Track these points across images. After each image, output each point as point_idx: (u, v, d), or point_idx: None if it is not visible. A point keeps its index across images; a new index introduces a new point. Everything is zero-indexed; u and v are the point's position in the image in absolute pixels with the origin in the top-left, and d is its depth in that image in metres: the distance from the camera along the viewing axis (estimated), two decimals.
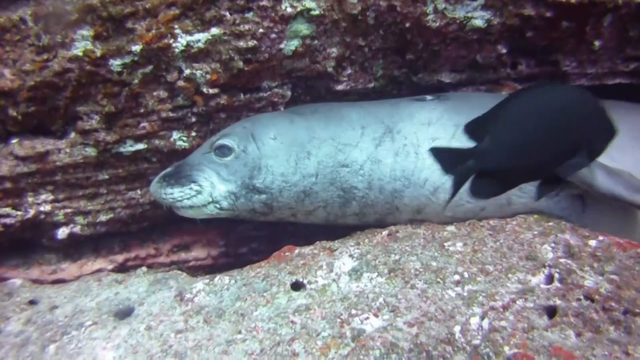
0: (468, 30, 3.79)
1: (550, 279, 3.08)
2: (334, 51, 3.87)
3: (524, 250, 3.31)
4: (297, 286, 3.42)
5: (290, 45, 3.76)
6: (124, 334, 3.22)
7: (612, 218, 3.47)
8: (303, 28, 3.73)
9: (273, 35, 3.70)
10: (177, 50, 3.63)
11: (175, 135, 3.95)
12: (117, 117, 3.81)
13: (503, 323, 2.81)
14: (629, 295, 2.79)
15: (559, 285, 3.00)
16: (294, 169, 3.70)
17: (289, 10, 3.64)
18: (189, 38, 3.61)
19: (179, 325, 3.23)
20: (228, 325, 3.17)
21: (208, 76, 3.74)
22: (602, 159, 3.57)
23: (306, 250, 3.78)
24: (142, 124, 3.86)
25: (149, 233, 4.35)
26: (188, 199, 3.70)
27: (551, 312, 2.86)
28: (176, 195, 3.70)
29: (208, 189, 3.73)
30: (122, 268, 4.20)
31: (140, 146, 3.93)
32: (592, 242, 3.27)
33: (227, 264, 4.40)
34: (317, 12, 3.68)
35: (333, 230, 4.32)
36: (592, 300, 2.80)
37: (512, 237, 3.44)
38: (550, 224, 3.56)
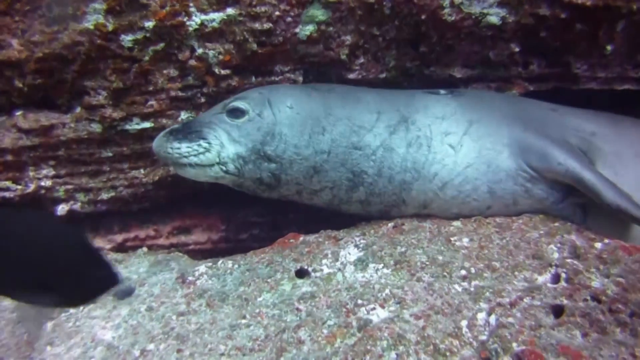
0: (483, 26, 3.78)
1: (556, 279, 3.09)
2: (348, 39, 3.84)
3: (530, 249, 3.32)
4: (301, 273, 3.40)
5: (305, 30, 3.72)
6: (124, 314, 3.18)
7: (610, 230, 3.51)
8: (319, 14, 3.70)
9: (289, 19, 3.65)
10: (190, 28, 3.58)
11: (183, 115, 3.89)
12: (125, 93, 3.74)
13: (510, 320, 2.82)
14: (635, 298, 2.79)
15: (565, 285, 3.01)
16: (307, 142, 3.63)
17: None
18: (203, 17, 3.56)
19: (181, 307, 3.19)
20: (231, 309, 3.14)
21: (221, 57, 3.70)
22: (606, 172, 3.68)
23: (311, 238, 3.77)
24: (150, 102, 3.80)
25: (149, 214, 4.28)
26: (195, 155, 3.54)
27: (558, 311, 2.87)
28: (183, 150, 3.54)
29: (217, 148, 3.57)
30: (120, 248, 4.12)
31: (147, 124, 3.87)
32: (598, 245, 3.29)
33: (227, 249, 4.34)
34: None
35: (335, 220, 4.30)
36: (599, 302, 2.82)
37: (519, 236, 3.46)
38: (556, 224, 3.59)
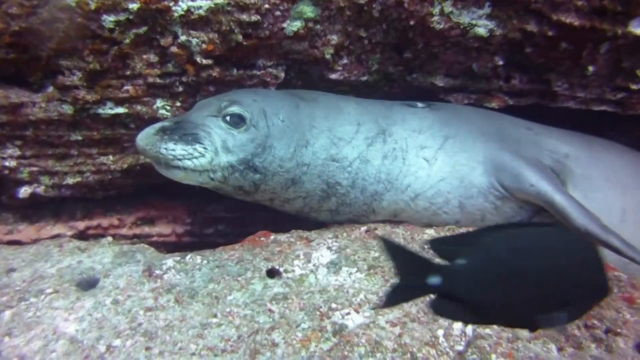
0: (470, 37, 3.76)
1: None
2: (334, 38, 3.76)
3: None
4: (272, 273, 3.30)
5: (293, 26, 3.62)
6: (89, 306, 3.02)
7: None
8: (308, 10, 3.61)
9: (277, 13, 3.54)
10: (175, 14, 3.43)
11: (159, 103, 3.74)
12: (101, 76, 3.58)
13: (488, 331, 2.81)
14: (610, 315, 2.85)
15: None
16: (292, 155, 3.56)
17: None
18: (190, 3, 3.42)
19: (148, 302, 3.05)
20: (201, 307, 3.02)
21: (204, 46, 3.56)
22: (576, 195, 3.70)
23: (282, 237, 3.68)
24: (126, 87, 3.64)
25: (113, 202, 4.12)
26: (189, 159, 3.37)
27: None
28: (178, 152, 3.34)
29: (211, 154, 3.41)
30: (82, 236, 3.95)
31: (121, 110, 3.70)
32: None
33: (191, 243, 4.22)
34: None
35: (303, 221, 4.30)
36: None
37: None
38: None
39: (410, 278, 2.02)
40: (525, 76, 4.05)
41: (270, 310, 3.01)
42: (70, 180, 3.86)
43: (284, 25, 3.62)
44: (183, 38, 3.55)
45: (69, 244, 3.68)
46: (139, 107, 3.73)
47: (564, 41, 3.76)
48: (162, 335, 2.83)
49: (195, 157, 3.38)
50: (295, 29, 3.64)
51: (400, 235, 3.62)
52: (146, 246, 3.71)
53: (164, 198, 4.24)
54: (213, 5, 3.47)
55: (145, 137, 3.40)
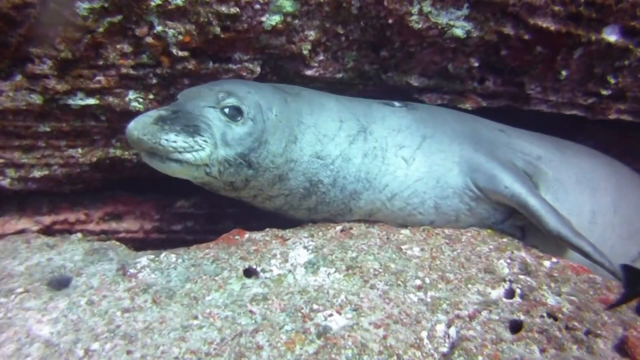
0: (447, 37, 3.75)
1: (511, 294, 3.13)
2: (311, 34, 3.68)
3: (481, 263, 3.35)
4: (249, 273, 3.22)
5: (271, 20, 3.52)
6: (63, 307, 2.86)
7: (547, 251, 3.59)
8: (288, 4, 3.51)
9: (257, 6, 3.44)
10: (152, 3, 3.30)
11: (132, 95, 3.58)
12: (72, 65, 3.40)
13: (471, 332, 2.80)
14: (589, 317, 2.87)
15: (520, 300, 3.05)
16: (282, 151, 3.45)
17: None
18: None
19: (124, 303, 2.91)
20: (180, 308, 2.91)
21: (180, 37, 3.43)
22: (548, 197, 3.75)
23: (257, 236, 3.59)
24: (98, 78, 3.46)
25: (80, 197, 3.93)
26: (189, 152, 3.14)
27: (515, 326, 2.88)
28: (179, 144, 3.10)
29: (210, 148, 3.22)
30: (48, 231, 3.76)
31: (91, 101, 3.52)
32: (547, 263, 3.38)
33: (159, 240, 4.10)
34: None
35: (273, 218, 4.24)
36: (555, 319, 2.87)
37: (469, 249, 3.48)
38: (505, 240, 3.65)
39: None
40: (499, 78, 4.08)
41: (251, 311, 2.93)
42: (37, 174, 3.65)
43: (263, 19, 3.52)
44: (159, 28, 3.41)
45: (36, 240, 3.49)
46: (110, 99, 3.56)
47: (539, 45, 3.81)
48: (142, 338, 2.70)
49: (196, 150, 3.18)
50: (273, 23, 3.55)
51: (375, 235, 3.59)
52: (117, 243, 3.55)
53: (131, 193, 4.09)
54: None
55: (142, 126, 3.11)
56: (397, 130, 3.72)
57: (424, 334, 2.87)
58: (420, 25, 3.71)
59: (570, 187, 3.89)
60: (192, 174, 3.28)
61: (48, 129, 3.58)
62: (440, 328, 2.91)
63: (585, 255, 3.49)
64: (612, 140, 4.60)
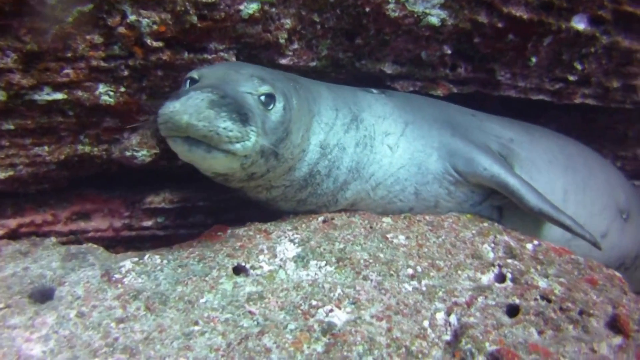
0: (422, 26, 3.69)
1: (501, 278, 3.13)
2: (287, 22, 3.51)
3: (468, 249, 3.33)
4: (238, 271, 3.06)
5: (249, 9, 3.32)
6: (51, 322, 2.60)
7: (524, 230, 3.64)
8: None
9: None
10: None
11: (102, 88, 3.28)
12: (39, 58, 3.07)
13: (472, 319, 2.78)
14: (580, 297, 2.91)
15: (512, 284, 3.05)
16: (300, 141, 3.25)
17: None
18: None
19: (117, 312, 2.69)
20: (177, 314, 2.72)
21: (155, 27, 3.17)
22: (523, 177, 3.72)
23: (240, 231, 3.40)
24: (66, 71, 3.15)
25: (46, 197, 3.60)
26: (240, 142, 2.82)
27: (512, 310, 2.89)
28: (234, 133, 2.77)
29: (255, 138, 2.89)
30: (13, 235, 3.42)
31: (59, 96, 3.21)
32: (529, 245, 3.40)
33: (130, 238, 3.85)
34: None
35: (247, 209, 4.06)
36: (549, 301, 2.89)
37: (453, 235, 3.45)
38: (485, 224, 3.64)
39: None
40: (470, 65, 4.06)
41: (250, 312, 2.78)
42: (1, 175, 3.29)
43: (241, 7, 3.32)
44: (132, 18, 3.15)
45: (7, 247, 3.17)
46: (79, 93, 3.25)
47: (511, 33, 3.81)
48: (144, 350, 2.50)
49: (244, 141, 2.86)
50: (251, 11, 3.36)
51: (358, 224, 3.48)
52: (94, 246, 3.27)
53: (99, 190, 3.80)
54: None
55: (195, 110, 2.73)
56: (383, 118, 3.63)
57: (425, 323, 2.82)
58: (396, 14, 3.63)
59: (543, 167, 3.93)
60: (231, 165, 2.99)
61: (12, 127, 3.23)
62: (440, 316, 2.88)
63: (566, 228, 3.56)
64: (573, 123, 4.71)
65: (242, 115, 2.82)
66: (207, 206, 4.07)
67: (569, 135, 4.46)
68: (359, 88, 3.84)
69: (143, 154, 3.57)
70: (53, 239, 3.31)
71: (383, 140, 3.59)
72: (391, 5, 3.60)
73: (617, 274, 3.24)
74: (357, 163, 3.53)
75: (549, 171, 3.94)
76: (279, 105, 3.08)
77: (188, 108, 2.72)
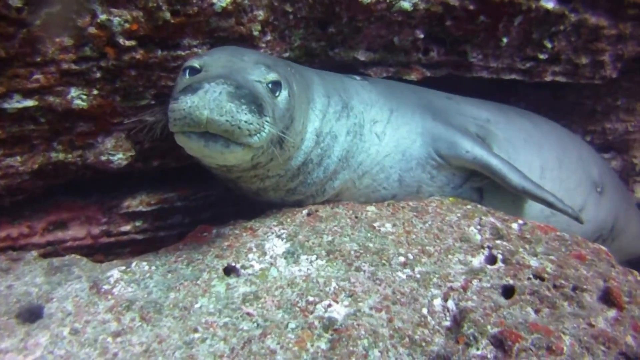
0: (395, 11, 3.63)
1: (492, 260, 3.10)
2: (260, 14, 3.39)
3: (455, 232, 3.30)
4: (229, 271, 2.96)
5: (222, 1, 3.19)
6: (45, 343, 2.46)
7: (504, 210, 3.63)
8: None
9: None
10: None
11: (74, 92, 3.11)
12: (7, 64, 2.89)
13: (470, 303, 2.76)
14: (572, 274, 2.91)
15: (504, 265, 3.03)
16: (301, 128, 3.14)
17: None
18: None
19: (112, 325, 2.57)
20: (173, 322, 2.62)
21: (127, 25, 3.02)
22: (501, 155, 3.72)
23: (225, 230, 3.31)
24: (36, 76, 2.97)
25: (20, 208, 3.41)
26: (257, 134, 2.70)
27: (507, 291, 2.87)
28: (254, 126, 2.66)
29: (269, 128, 2.77)
30: None
31: (30, 103, 3.02)
32: (514, 225, 3.38)
33: (109, 244, 3.69)
34: None
35: (224, 206, 3.99)
36: (542, 279, 2.89)
37: (439, 219, 3.41)
38: (469, 206, 3.62)
39: None
40: (442, 48, 4.01)
41: (248, 314, 2.70)
42: None
43: (214, 0, 3.21)
44: (103, 17, 2.99)
45: None
46: (51, 98, 3.08)
47: (482, 14, 3.78)
48: None
49: (260, 132, 2.73)
50: (224, 4, 3.23)
51: (343, 215, 3.41)
52: (78, 257, 3.12)
53: (74, 197, 3.62)
54: None
55: (216, 105, 2.59)
56: (371, 105, 3.56)
57: (424, 310, 2.79)
58: (369, 0, 3.56)
59: (519, 146, 3.94)
60: (245, 157, 2.88)
61: None
62: (438, 302, 2.85)
63: (549, 205, 3.60)
64: (543, 100, 4.75)
65: (258, 106, 2.70)
66: (184, 206, 3.95)
67: (539, 113, 4.50)
68: (343, 74, 3.75)
69: (119, 158, 3.42)
70: (34, 253, 3.13)
71: (371, 129, 3.52)
72: None
73: (603, 247, 3.24)
74: (347, 152, 3.45)
75: (526, 150, 3.96)
76: (284, 92, 2.98)
77: (207, 102, 2.59)
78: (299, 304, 2.77)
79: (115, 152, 3.40)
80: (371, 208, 3.54)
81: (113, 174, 3.55)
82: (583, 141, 4.78)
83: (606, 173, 4.54)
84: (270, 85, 2.91)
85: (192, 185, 3.99)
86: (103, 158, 3.38)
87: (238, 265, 3.00)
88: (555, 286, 2.87)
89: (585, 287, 2.85)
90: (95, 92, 3.21)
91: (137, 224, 3.81)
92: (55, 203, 3.56)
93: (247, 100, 2.67)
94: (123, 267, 2.96)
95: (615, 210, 4.43)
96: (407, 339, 2.62)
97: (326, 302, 2.77)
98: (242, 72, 2.85)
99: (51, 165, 3.31)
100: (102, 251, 3.72)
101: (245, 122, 2.64)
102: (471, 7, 3.70)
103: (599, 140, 5.08)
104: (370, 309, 2.76)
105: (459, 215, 3.49)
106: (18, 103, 3.03)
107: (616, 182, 4.72)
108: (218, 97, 2.60)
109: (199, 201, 4.00)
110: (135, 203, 3.76)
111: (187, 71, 2.94)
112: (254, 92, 2.76)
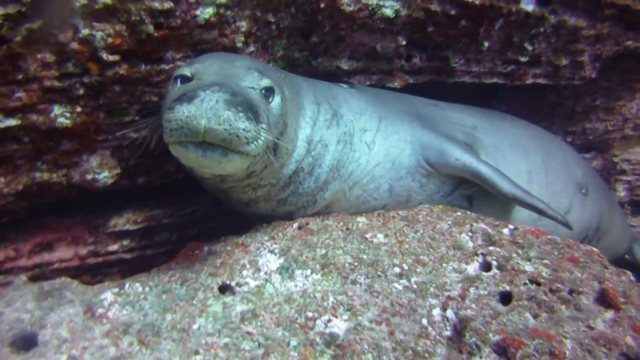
0: (377, 18, 3.60)
1: (487, 267, 3.08)
2: (243, 25, 3.33)
3: (447, 240, 3.27)
4: (224, 289, 2.89)
5: (205, 13, 3.12)
6: None
7: (492, 215, 3.62)
8: None
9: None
10: (77, 3, 2.77)
11: (57, 109, 2.99)
12: None
13: (470, 312, 2.74)
14: (567, 277, 2.91)
15: (499, 272, 3.01)
16: (293, 135, 3.06)
17: None
18: None
19: (110, 351, 2.47)
20: (173, 345, 2.53)
21: (110, 39, 2.92)
22: (489, 161, 3.71)
23: (217, 247, 3.24)
24: (18, 94, 2.84)
25: (4, 231, 3.27)
26: (254, 142, 2.63)
27: (504, 297, 2.86)
28: (252, 133, 2.59)
29: (265, 135, 2.70)
30: None
31: (12, 122, 2.89)
32: (505, 230, 3.38)
33: (97, 264, 3.57)
34: None
35: (209, 221, 3.94)
36: (538, 284, 2.88)
37: (430, 228, 3.38)
38: (459, 213, 3.59)
39: None
40: (424, 54, 4.00)
41: (248, 333, 2.63)
42: None
43: (197, 12, 3.12)
44: (85, 32, 2.88)
45: None
46: (34, 117, 2.95)
47: (464, 19, 3.78)
48: None
49: (256, 139, 2.67)
50: (207, 16, 3.16)
51: (334, 227, 3.35)
52: (68, 280, 2.98)
53: (59, 217, 3.49)
54: None
55: (213, 113, 2.52)
56: (360, 114, 3.51)
57: (424, 321, 2.76)
58: (351, 8, 3.52)
59: (506, 151, 3.95)
60: (242, 166, 2.82)
61: None
62: (437, 312, 2.82)
63: (539, 211, 3.60)
64: (523, 103, 4.76)
65: (254, 113, 2.64)
66: (171, 223, 3.86)
67: (520, 115, 4.52)
68: (331, 82, 3.70)
69: (105, 176, 3.31)
70: (23, 278, 2.98)
71: (361, 138, 3.47)
72: (346, 0, 3.49)
73: (595, 249, 3.26)
74: (338, 161, 3.39)
75: (512, 155, 3.97)
76: (277, 98, 2.92)
77: (204, 111, 2.52)
78: (299, 320, 2.71)
79: (100, 171, 3.28)
80: (362, 219, 3.49)
81: (99, 193, 3.43)
82: (564, 143, 4.83)
83: (589, 174, 4.58)
84: (263, 91, 2.85)
85: (177, 201, 3.90)
86: (89, 177, 3.26)
87: (233, 283, 2.92)
88: (551, 290, 2.86)
89: (581, 289, 2.85)
90: (79, 109, 3.10)
91: (125, 242, 3.70)
92: (40, 224, 3.42)
93: (244, 107, 2.62)
94: (116, 289, 2.85)
95: (600, 211, 4.47)
96: (410, 351, 2.58)
97: (325, 317, 2.72)
98: (235, 78, 2.80)
99: (36, 185, 3.19)
100: (89, 272, 3.61)
101: (243, 130, 2.59)
102: (453, 12, 3.70)
103: (579, 141, 5.14)
104: (371, 322, 2.72)
105: (449, 222, 3.46)
106: (0, 123, 2.90)
107: (598, 182, 4.77)
108: (215, 105, 2.54)
109: (185, 217, 3.91)
110: (122, 221, 3.65)
111: (179, 80, 2.87)
112: (249, 99, 2.70)
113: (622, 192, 5.38)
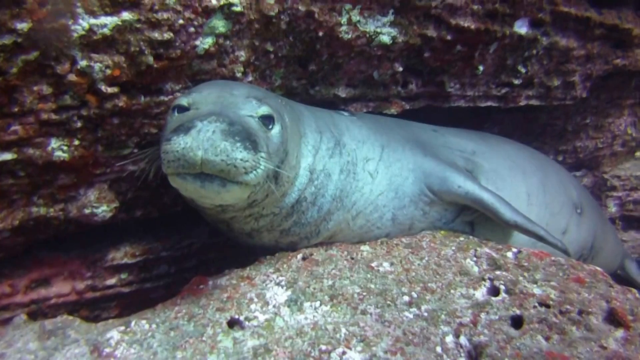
0: (374, 45, 3.57)
1: (495, 291, 3.03)
2: (242, 55, 3.25)
3: (453, 266, 3.22)
4: (232, 324, 2.78)
5: (204, 44, 3.04)
6: None
7: (494, 238, 3.59)
8: (220, 25, 3.05)
9: (191, 29, 2.95)
10: (75, 34, 2.67)
11: (54, 143, 2.87)
12: None
13: (483, 338, 2.68)
14: (576, 298, 2.87)
15: (507, 296, 2.95)
16: (295, 163, 2.96)
17: (213, 2, 2.95)
18: (92, 21, 2.68)
19: None
20: None
21: (108, 71, 2.82)
22: (489, 188, 3.65)
23: (222, 280, 3.12)
24: (14, 127, 2.72)
25: (0, 266, 3.13)
26: (253, 171, 2.56)
27: (515, 321, 2.80)
28: (250, 163, 2.53)
29: (265, 164, 2.64)
30: None
31: (8, 156, 2.77)
32: (509, 254, 3.33)
33: (94, 299, 3.42)
34: (238, 9, 3.03)
35: (206, 252, 3.82)
36: (548, 306, 2.83)
37: (435, 254, 3.33)
38: (462, 239, 3.55)
39: None
40: (420, 80, 3.98)
41: None
42: None
43: (197, 42, 3.03)
44: (83, 63, 2.78)
45: None
46: (30, 151, 2.83)
47: (459, 44, 3.77)
48: None
49: (255, 169, 2.60)
50: (206, 46, 3.08)
51: (339, 257, 3.27)
52: (70, 317, 2.84)
53: (55, 251, 3.33)
54: (120, 23, 2.77)
55: (210, 144, 2.46)
56: (362, 142, 3.43)
57: (438, 349, 2.68)
58: (349, 36, 3.48)
59: (506, 174, 3.91)
60: (242, 196, 2.72)
61: None
62: (450, 339, 2.74)
63: (539, 238, 3.53)
64: (515, 124, 4.75)
65: (252, 142, 2.57)
66: (169, 255, 3.74)
67: (513, 136, 4.50)
68: (333, 110, 3.63)
69: (103, 210, 3.18)
70: (23, 317, 2.83)
71: (364, 167, 3.39)
72: (344, 28, 3.45)
73: (598, 268, 3.22)
74: (341, 191, 3.30)
75: (512, 177, 3.94)
76: (277, 125, 2.85)
77: (201, 142, 2.47)
78: (313, 354, 2.61)
79: (99, 204, 3.15)
80: (365, 247, 3.42)
81: (96, 227, 3.29)
82: (558, 164, 4.82)
83: (583, 193, 4.58)
84: (262, 119, 2.78)
85: (175, 233, 3.78)
86: (87, 211, 3.13)
87: (242, 317, 2.81)
88: (561, 312, 2.82)
89: (590, 310, 2.81)
90: (76, 142, 2.98)
91: (123, 276, 3.56)
92: (36, 259, 3.28)
93: (241, 137, 2.56)
94: (122, 327, 2.72)
95: (594, 229, 4.46)
96: None
97: (340, 350, 2.62)
98: (233, 107, 2.73)
99: (32, 220, 3.05)
100: (87, 306, 3.47)
101: (241, 160, 2.54)
102: (449, 37, 3.68)
103: (570, 160, 5.15)
104: (385, 352, 2.63)
105: (453, 248, 3.40)
106: None
107: (591, 201, 4.78)
108: (212, 136, 2.49)
109: (183, 250, 3.80)
110: (120, 255, 3.51)
111: (176, 110, 2.79)
112: (247, 127, 2.63)
113: (613, 208, 5.41)
